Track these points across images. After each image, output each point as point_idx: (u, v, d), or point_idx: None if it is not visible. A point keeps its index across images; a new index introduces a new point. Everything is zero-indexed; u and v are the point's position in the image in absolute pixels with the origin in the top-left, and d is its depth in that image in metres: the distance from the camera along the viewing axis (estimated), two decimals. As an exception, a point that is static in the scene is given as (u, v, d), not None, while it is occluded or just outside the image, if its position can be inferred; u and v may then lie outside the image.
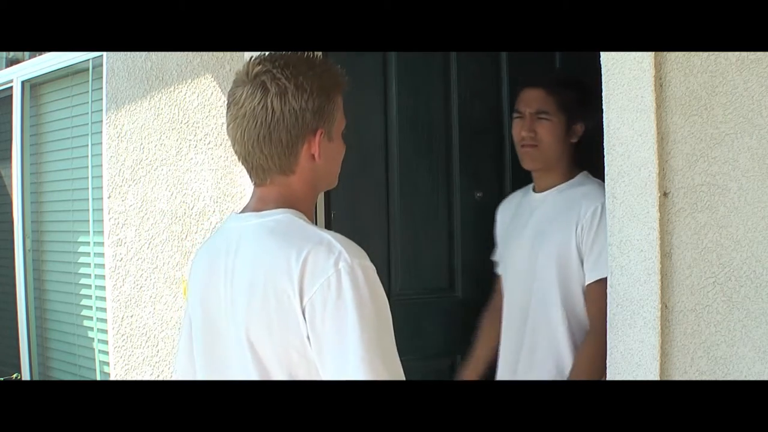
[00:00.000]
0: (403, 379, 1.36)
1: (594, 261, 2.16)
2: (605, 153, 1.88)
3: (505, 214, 2.44)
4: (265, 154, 1.44)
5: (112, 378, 3.45)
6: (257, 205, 1.48)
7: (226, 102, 1.50)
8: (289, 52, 1.47)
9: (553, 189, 2.28)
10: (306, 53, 1.49)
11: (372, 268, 1.37)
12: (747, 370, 1.70)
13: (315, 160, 1.46)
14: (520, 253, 2.29)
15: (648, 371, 1.81)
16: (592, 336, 2.14)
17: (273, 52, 1.48)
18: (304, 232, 1.42)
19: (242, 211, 1.52)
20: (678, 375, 1.79)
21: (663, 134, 1.80)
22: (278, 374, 1.39)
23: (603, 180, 1.91)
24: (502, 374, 2.31)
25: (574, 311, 2.19)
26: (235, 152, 1.49)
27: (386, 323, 1.35)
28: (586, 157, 2.26)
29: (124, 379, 3.34)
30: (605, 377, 2.09)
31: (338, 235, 1.41)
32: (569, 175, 2.29)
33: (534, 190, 2.34)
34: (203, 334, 1.52)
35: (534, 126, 2.24)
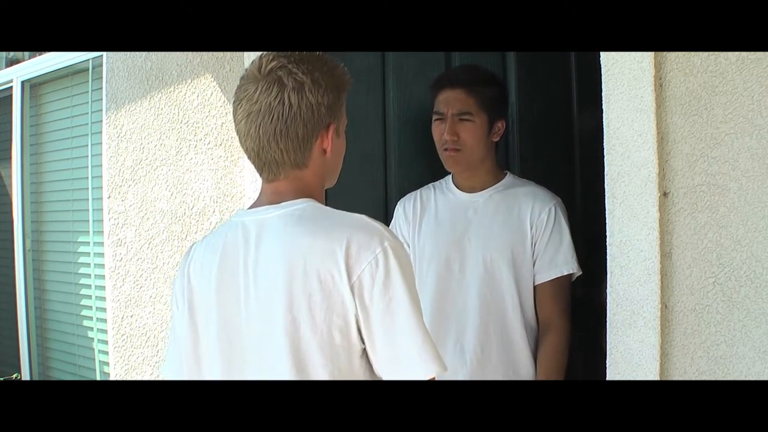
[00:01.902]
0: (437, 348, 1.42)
1: (549, 260, 2.16)
2: (605, 153, 1.88)
3: (413, 212, 2.34)
4: (281, 148, 1.46)
5: (112, 378, 3.45)
6: (272, 198, 1.49)
7: (234, 99, 1.50)
8: (301, 52, 1.50)
9: (488, 189, 2.24)
10: (316, 52, 1.51)
11: (406, 248, 1.44)
12: (747, 370, 1.70)
13: (326, 155, 1.50)
14: (458, 254, 2.22)
15: (648, 371, 1.81)
16: (553, 334, 2.15)
17: (282, 52, 1.49)
18: (336, 216, 1.46)
19: (253, 206, 1.52)
20: (678, 375, 1.79)
21: (663, 134, 1.80)
22: (316, 359, 1.40)
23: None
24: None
25: (526, 312, 2.19)
26: (246, 148, 1.50)
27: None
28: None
29: (124, 379, 3.34)
30: (564, 375, 2.12)
31: (368, 217, 1.46)
32: (497, 175, 2.26)
33: (460, 189, 2.28)
34: (219, 332, 1.50)
35: (456, 128, 2.18)
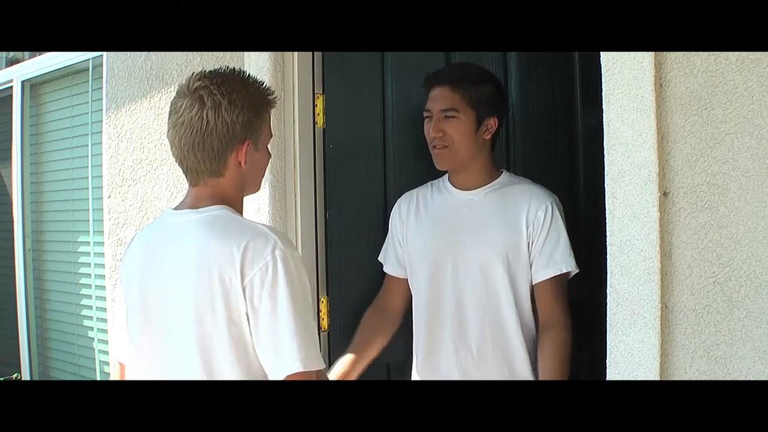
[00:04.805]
0: (318, 348, 1.58)
1: (546, 259, 2.14)
2: (605, 153, 1.88)
3: (407, 211, 2.33)
4: (198, 159, 1.65)
5: (112, 378, 3.44)
6: (193, 202, 1.68)
7: (169, 110, 1.70)
8: (227, 72, 1.68)
9: (484, 187, 2.23)
10: (241, 73, 1.69)
11: (300, 258, 1.63)
12: (747, 370, 1.70)
13: (241, 167, 1.67)
14: (452, 253, 2.21)
15: (648, 371, 1.81)
16: (556, 330, 2.12)
17: (212, 70, 1.68)
18: (242, 225, 1.65)
19: (178, 208, 1.71)
20: (678, 375, 1.79)
21: (663, 134, 1.80)
22: (218, 350, 1.58)
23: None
24: (435, 377, 2.23)
25: (522, 311, 2.17)
26: (173, 155, 1.69)
27: (309, 303, 1.61)
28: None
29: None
30: (569, 371, 2.09)
31: (271, 227, 1.68)
32: (492, 173, 2.24)
33: (456, 187, 2.26)
34: (139, 314, 1.70)
35: (441, 125, 2.17)
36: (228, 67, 1.71)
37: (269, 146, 1.76)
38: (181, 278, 1.62)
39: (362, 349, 2.27)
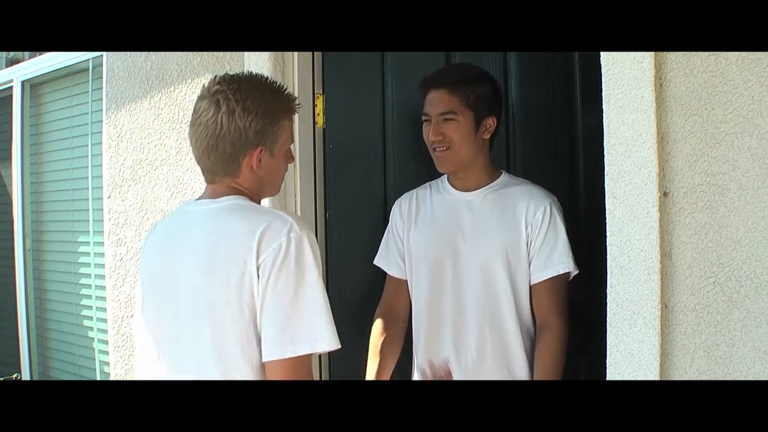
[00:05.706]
0: (332, 327, 1.60)
1: (545, 259, 2.14)
2: (605, 153, 1.88)
3: (408, 210, 2.34)
4: (212, 160, 1.71)
5: (112, 378, 3.45)
6: (211, 195, 1.74)
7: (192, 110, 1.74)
8: (247, 77, 1.73)
9: (484, 188, 2.23)
10: (261, 79, 1.74)
11: (315, 241, 1.65)
12: (747, 370, 1.70)
13: (254, 170, 1.71)
14: (452, 254, 2.21)
15: (648, 371, 1.81)
16: (549, 334, 2.12)
17: (234, 75, 1.72)
18: (259, 210, 1.71)
19: (198, 200, 1.77)
20: (678, 375, 1.79)
21: (663, 134, 1.80)
22: (228, 330, 1.61)
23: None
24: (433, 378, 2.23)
25: (521, 312, 2.17)
26: (193, 154, 1.75)
27: (322, 285, 1.62)
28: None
29: (124, 379, 3.34)
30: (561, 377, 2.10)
31: (289, 212, 1.72)
32: (492, 174, 2.25)
33: (455, 188, 2.27)
34: (152, 300, 1.76)
35: (441, 128, 2.18)
36: (250, 72, 1.75)
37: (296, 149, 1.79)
38: (196, 262, 1.66)
39: (382, 365, 2.27)
